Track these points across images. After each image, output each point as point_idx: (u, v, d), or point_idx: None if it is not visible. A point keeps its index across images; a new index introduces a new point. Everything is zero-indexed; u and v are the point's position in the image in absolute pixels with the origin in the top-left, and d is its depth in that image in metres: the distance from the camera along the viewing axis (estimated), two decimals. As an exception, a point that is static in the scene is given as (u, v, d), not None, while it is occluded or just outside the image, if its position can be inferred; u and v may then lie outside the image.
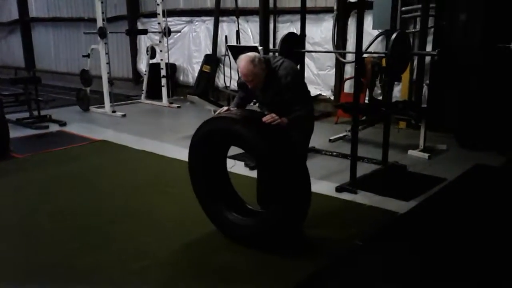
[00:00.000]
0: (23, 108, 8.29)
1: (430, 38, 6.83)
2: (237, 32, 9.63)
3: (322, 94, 9.03)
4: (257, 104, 4.24)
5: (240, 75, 3.63)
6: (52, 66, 15.30)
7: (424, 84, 6.99)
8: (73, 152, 6.56)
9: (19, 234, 3.93)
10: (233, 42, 9.75)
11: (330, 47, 8.38)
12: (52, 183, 5.22)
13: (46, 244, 3.73)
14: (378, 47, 7.84)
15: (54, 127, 7.99)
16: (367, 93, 7.42)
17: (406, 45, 5.08)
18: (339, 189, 4.82)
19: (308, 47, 7.43)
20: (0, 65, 17.16)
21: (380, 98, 7.28)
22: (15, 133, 7.07)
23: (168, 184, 5.14)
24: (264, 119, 3.32)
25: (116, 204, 4.55)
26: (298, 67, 5.93)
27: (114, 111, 9.18)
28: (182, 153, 6.25)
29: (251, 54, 3.47)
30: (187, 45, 11.31)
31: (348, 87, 8.41)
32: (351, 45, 8.42)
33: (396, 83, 7.36)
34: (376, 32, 7.67)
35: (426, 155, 6.05)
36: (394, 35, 4.81)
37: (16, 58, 16.40)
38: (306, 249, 3.65)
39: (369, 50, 7.22)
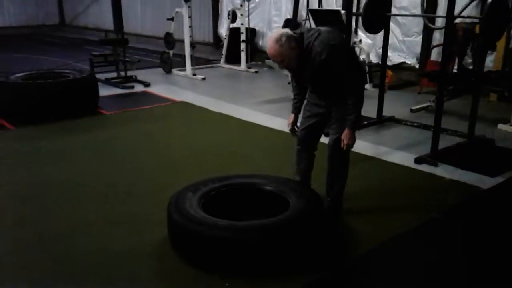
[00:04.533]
0: (111, 68, 8.72)
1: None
2: (320, -5, 9.34)
3: (406, 62, 8.60)
4: None
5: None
6: (138, 29, 15.88)
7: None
8: (155, 112, 6.84)
9: (105, 185, 4.19)
10: (315, 6, 9.49)
11: (418, 11, 7.91)
12: (135, 140, 5.49)
13: (131, 196, 3.95)
14: (472, 12, 7.27)
15: (139, 87, 8.35)
16: (456, 61, 6.97)
17: (504, 10, 4.65)
18: (418, 161, 4.62)
19: (394, 11, 7.06)
20: (91, 27, 18.11)
21: (471, 67, 6.81)
22: (103, 91, 7.48)
23: (245, 147, 5.22)
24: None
25: (194, 165, 4.68)
26: (382, 32, 5.67)
27: (194, 74, 9.40)
28: (258, 117, 6.33)
29: (278, 32, 3.12)
30: (268, 10, 11.20)
31: (435, 55, 7.95)
32: (441, 9, 7.88)
33: (489, 52, 6.83)
34: (471, -4, 7.12)
35: (517, 130, 5.62)
36: (491, -2, 4.42)
37: (105, 21, 17.16)
38: (381, 218, 3.57)
39: (462, 15, 6.71)
